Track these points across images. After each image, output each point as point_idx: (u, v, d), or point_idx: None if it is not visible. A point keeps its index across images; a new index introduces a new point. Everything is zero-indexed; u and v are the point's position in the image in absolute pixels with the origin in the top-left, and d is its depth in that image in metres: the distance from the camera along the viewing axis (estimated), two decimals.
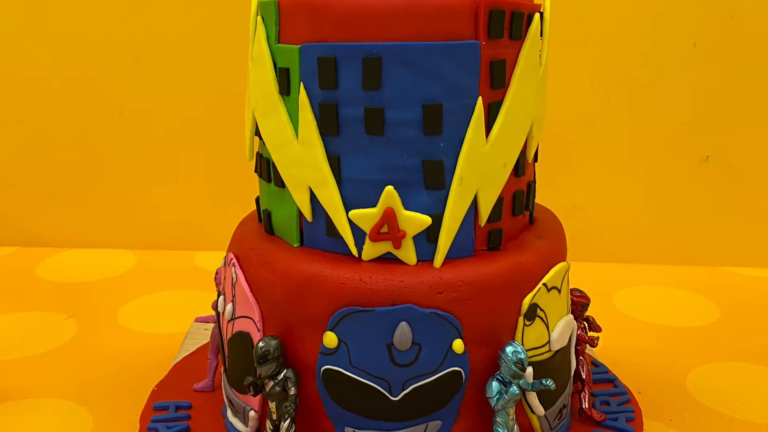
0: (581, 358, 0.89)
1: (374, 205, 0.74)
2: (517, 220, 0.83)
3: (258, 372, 0.76)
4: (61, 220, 1.57)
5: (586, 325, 0.91)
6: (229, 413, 0.87)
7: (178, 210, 1.55)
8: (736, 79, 1.41)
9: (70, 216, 1.57)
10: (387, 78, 0.71)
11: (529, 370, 0.76)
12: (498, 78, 0.74)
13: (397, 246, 0.74)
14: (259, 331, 0.79)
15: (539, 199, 0.91)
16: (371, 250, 0.75)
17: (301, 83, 0.74)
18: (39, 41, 1.48)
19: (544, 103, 0.82)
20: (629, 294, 1.37)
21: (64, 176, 1.55)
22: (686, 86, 1.42)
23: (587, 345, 0.90)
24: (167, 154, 1.52)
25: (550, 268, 0.79)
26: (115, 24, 1.46)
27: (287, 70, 0.75)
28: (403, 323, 0.73)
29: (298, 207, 0.78)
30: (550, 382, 0.76)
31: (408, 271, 0.74)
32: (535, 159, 0.85)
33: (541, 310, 0.78)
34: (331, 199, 0.75)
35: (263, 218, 0.85)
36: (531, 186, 0.85)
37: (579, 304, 0.89)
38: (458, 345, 0.74)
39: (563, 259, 0.83)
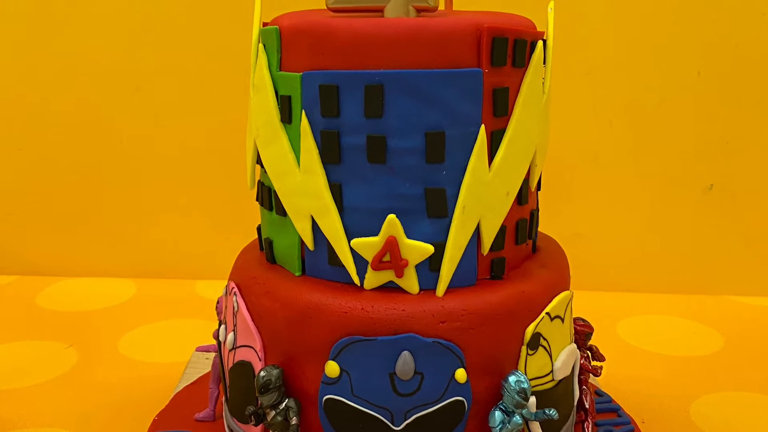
0: (584, 387, 0.89)
1: (376, 234, 0.73)
2: (520, 248, 0.83)
3: (259, 402, 0.76)
4: (61, 249, 1.57)
5: (590, 354, 0.91)
6: None
7: (179, 238, 1.55)
8: (740, 108, 1.41)
9: (71, 245, 1.57)
10: (389, 106, 0.71)
11: (532, 399, 0.76)
12: (501, 106, 0.74)
13: (400, 275, 0.74)
14: (260, 360, 0.79)
15: (542, 228, 0.91)
16: (373, 279, 0.75)
17: (303, 111, 0.74)
18: (39, 69, 1.48)
19: (547, 131, 0.82)
20: (633, 323, 1.36)
21: (65, 205, 1.55)
22: (690, 114, 1.42)
23: (590, 374, 0.90)
24: (168, 182, 1.52)
25: (553, 297, 0.79)
26: (116, 52, 1.46)
27: (289, 98, 0.75)
28: (406, 352, 0.72)
29: (299, 236, 0.78)
30: (553, 412, 0.75)
31: (410, 300, 0.74)
32: (538, 187, 0.85)
33: (544, 339, 0.78)
34: (333, 228, 0.75)
35: (265, 247, 0.84)
36: (534, 214, 0.85)
37: (582, 333, 0.88)
38: (461, 374, 0.73)
39: (566, 288, 0.83)
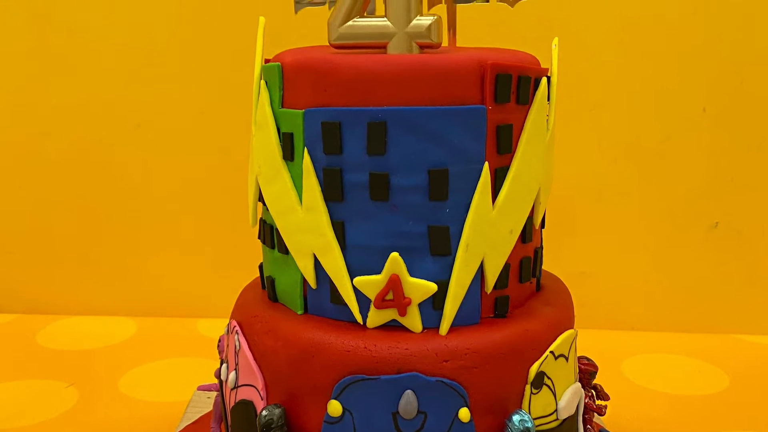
0: (589, 426, 0.88)
1: (379, 272, 0.73)
2: (524, 287, 0.82)
3: None
4: (61, 288, 1.57)
5: (594, 393, 0.90)
6: None
7: (181, 277, 1.54)
8: (745, 145, 1.41)
9: (71, 283, 1.56)
10: (392, 143, 0.71)
11: None
12: (504, 143, 0.74)
13: (403, 313, 0.74)
14: (262, 399, 0.78)
15: (546, 266, 0.91)
16: (376, 317, 0.74)
17: (305, 148, 0.73)
18: (39, 105, 1.48)
19: (551, 168, 0.82)
20: (637, 362, 1.36)
21: (65, 243, 1.55)
22: (695, 152, 1.41)
23: (595, 413, 0.89)
24: (169, 220, 1.52)
25: (558, 336, 0.78)
26: (117, 87, 1.46)
27: (291, 135, 0.75)
28: (409, 392, 0.71)
29: (302, 274, 0.77)
30: None
31: (413, 339, 0.73)
32: (542, 225, 0.84)
33: (549, 378, 0.77)
34: (336, 266, 0.74)
35: (267, 285, 0.84)
36: (538, 252, 0.84)
37: (586, 372, 0.88)
38: (464, 414, 0.73)
39: (571, 327, 0.82)
